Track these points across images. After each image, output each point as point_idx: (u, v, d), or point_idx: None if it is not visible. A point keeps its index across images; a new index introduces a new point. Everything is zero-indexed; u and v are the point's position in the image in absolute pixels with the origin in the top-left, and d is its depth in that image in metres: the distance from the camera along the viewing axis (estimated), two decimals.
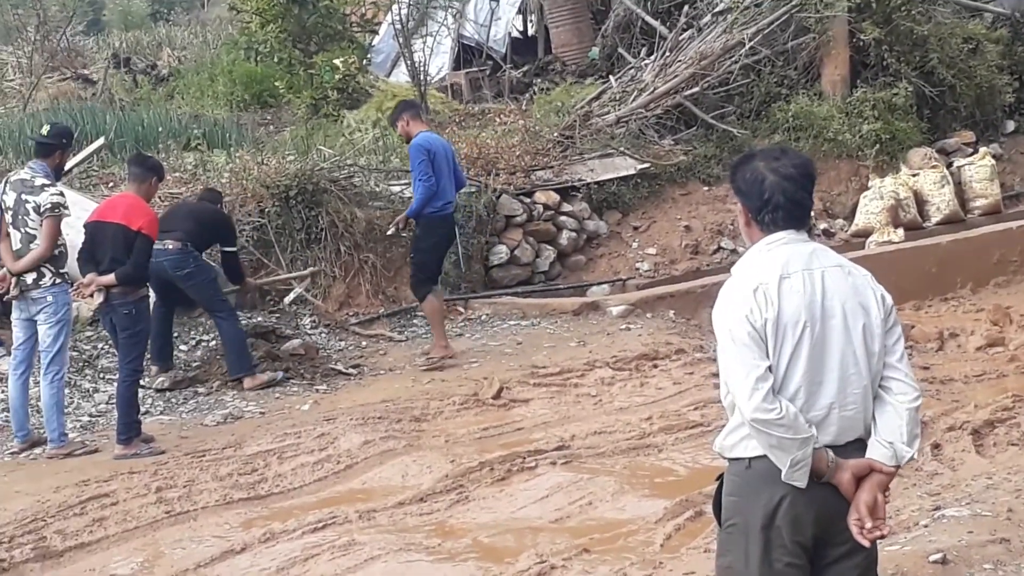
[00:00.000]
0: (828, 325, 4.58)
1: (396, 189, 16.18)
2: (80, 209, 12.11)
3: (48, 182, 10.76)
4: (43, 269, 10.64)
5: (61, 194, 10.81)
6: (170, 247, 12.38)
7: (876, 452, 4.63)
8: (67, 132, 11.61)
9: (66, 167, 15.61)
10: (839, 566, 4.72)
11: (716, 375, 11.99)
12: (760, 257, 4.69)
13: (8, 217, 10.79)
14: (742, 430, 4.64)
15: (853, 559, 4.73)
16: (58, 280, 10.71)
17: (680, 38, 19.72)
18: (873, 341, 4.65)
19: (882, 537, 4.69)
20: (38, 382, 11.14)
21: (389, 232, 14.33)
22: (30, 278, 10.62)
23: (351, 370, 13.33)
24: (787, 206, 4.69)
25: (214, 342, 13.38)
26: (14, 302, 10.88)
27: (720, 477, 4.88)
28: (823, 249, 4.78)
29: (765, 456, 4.57)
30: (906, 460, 4.67)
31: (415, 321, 15.22)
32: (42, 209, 10.55)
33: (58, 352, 10.73)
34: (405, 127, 13.33)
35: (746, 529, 4.65)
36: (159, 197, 13.37)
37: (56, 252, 10.71)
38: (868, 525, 4.57)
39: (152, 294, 11.88)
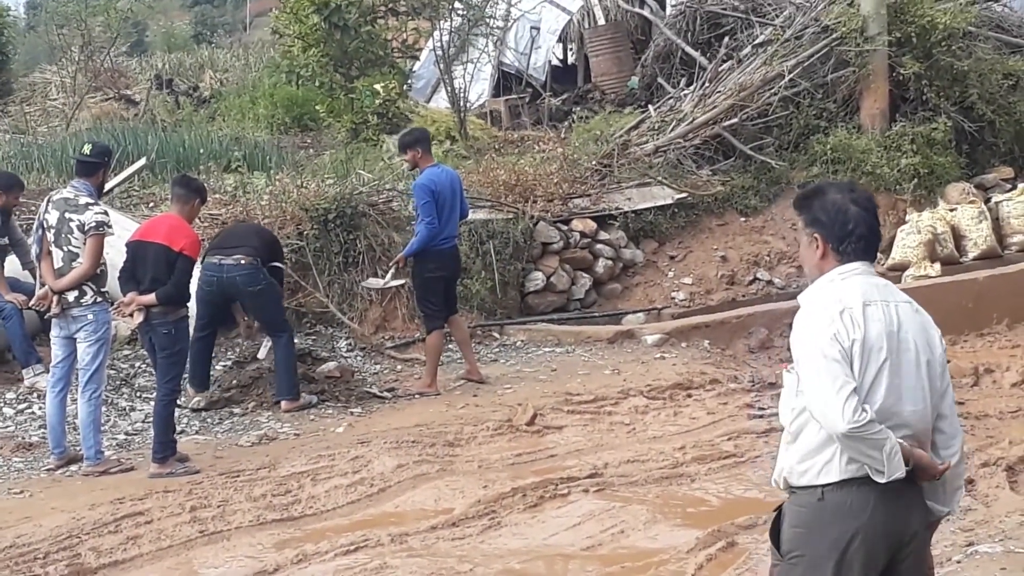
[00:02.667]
0: (904, 357, 4.63)
1: None
2: (121, 228, 12.18)
3: (92, 201, 10.84)
4: (85, 287, 10.69)
5: (105, 213, 10.90)
6: (243, 262, 12.50)
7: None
8: (107, 150, 11.69)
9: (109, 186, 15.77)
10: None
11: (750, 406, 12.06)
12: (836, 286, 4.73)
13: (50, 236, 10.85)
14: (817, 457, 4.62)
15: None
16: (99, 299, 10.77)
17: (720, 69, 19.73)
18: (935, 379, 4.71)
19: None
20: (76, 400, 11.20)
21: (388, 276, 14.21)
22: (71, 296, 10.68)
23: (386, 393, 13.35)
24: (868, 237, 4.80)
25: (253, 364, 13.40)
26: (54, 320, 10.93)
27: (779, 508, 4.85)
28: (891, 283, 4.84)
29: (838, 486, 4.57)
30: (944, 515, 4.77)
31: (450, 347, 15.21)
32: (87, 227, 10.61)
33: (96, 370, 10.78)
34: (416, 157, 13.30)
35: (814, 562, 4.62)
36: (200, 218, 13.43)
37: (98, 271, 10.77)
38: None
39: (194, 316, 11.93)
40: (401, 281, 14.15)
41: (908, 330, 4.67)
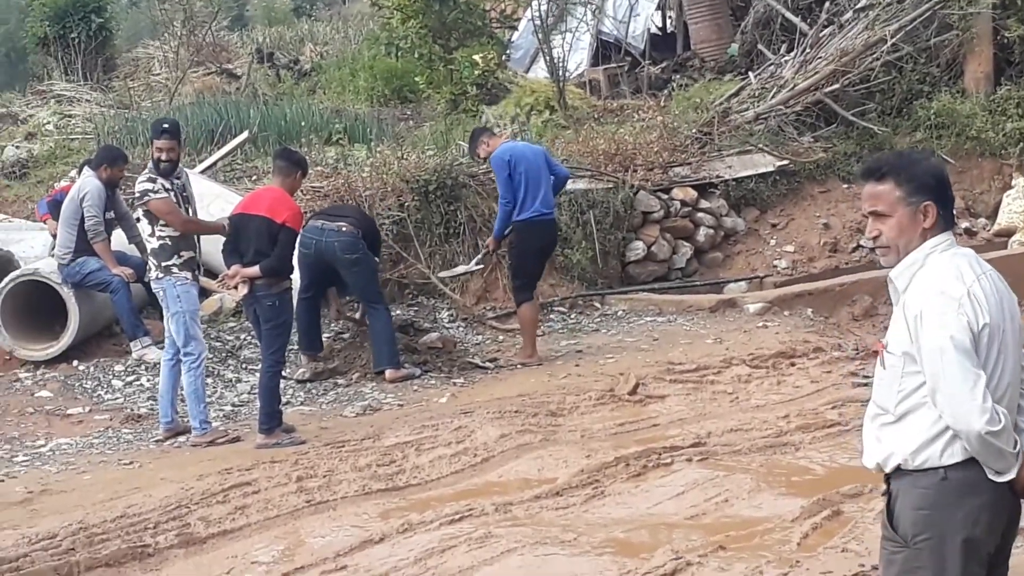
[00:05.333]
0: (1010, 328, 4.53)
1: None
2: (224, 201, 12.31)
3: (145, 172, 10.98)
4: (151, 261, 10.84)
5: (149, 179, 10.89)
6: (344, 229, 12.65)
7: None
8: (175, 125, 11.70)
9: (209, 160, 15.93)
10: (999, 570, 4.70)
11: (854, 374, 11.96)
12: (936, 260, 4.59)
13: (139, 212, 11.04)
14: (938, 440, 4.50)
15: (1007, 564, 4.73)
16: (160, 274, 10.87)
17: (821, 34, 19.50)
18: (1019, 347, 4.60)
19: None
20: None
21: (472, 262, 14.43)
22: (148, 269, 10.86)
23: (488, 364, 13.39)
24: (954, 205, 4.70)
25: (352, 334, 13.48)
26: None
27: (888, 491, 4.73)
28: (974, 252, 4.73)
29: (962, 465, 4.48)
30: None
31: (551, 316, 15.24)
32: (136, 201, 10.76)
33: (188, 341, 10.89)
34: (487, 149, 13.38)
35: (942, 542, 4.51)
36: (301, 191, 13.50)
37: (158, 244, 10.86)
38: None
39: (297, 283, 12.01)
40: (479, 267, 14.25)
41: (1004, 299, 4.57)
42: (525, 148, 13.49)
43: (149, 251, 10.87)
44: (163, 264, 10.87)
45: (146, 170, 11.04)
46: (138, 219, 10.99)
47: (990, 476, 4.45)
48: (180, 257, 10.94)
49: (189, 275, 10.99)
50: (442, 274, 14.58)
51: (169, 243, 10.90)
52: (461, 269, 14.52)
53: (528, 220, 13.09)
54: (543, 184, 13.21)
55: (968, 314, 4.41)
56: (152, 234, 10.83)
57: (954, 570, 4.50)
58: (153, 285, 10.93)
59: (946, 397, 4.42)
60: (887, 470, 4.64)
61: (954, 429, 4.43)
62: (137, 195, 10.79)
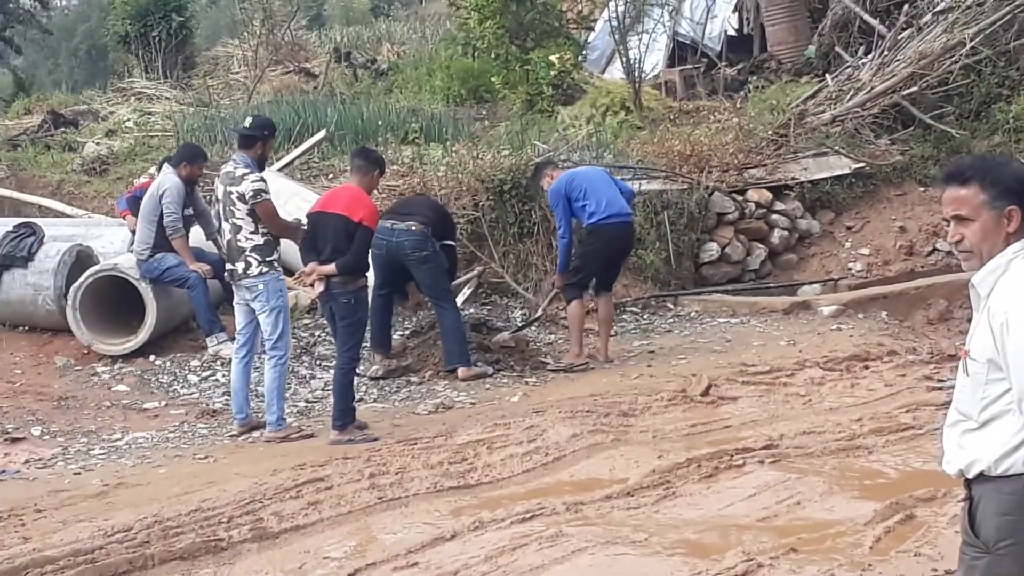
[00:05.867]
0: None
1: None
2: (301, 199, 12.38)
3: (248, 171, 10.97)
4: (249, 258, 10.84)
5: (261, 179, 10.98)
6: (414, 228, 12.71)
7: None
8: (269, 124, 11.72)
9: (287, 159, 16.03)
10: None
11: (929, 378, 11.87)
12: (1020, 264, 4.47)
13: (219, 208, 11.06)
14: (1022, 447, 4.40)
15: None
16: (264, 269, 10.89)
17: (899, 37, 19.40)
18: None
19: None
20: (259, 367, 11.40)
21: (544, 304, 14.59)
22: (240, 267, 10.86)
23: (559, 365, 13.37)
24: None
25: (429, 333, 13.52)
26: (235, 288, 11.16)
27: (969, 496, 4.63)
28: None
29: None
30: None
31: (624, 316, 15.22)
32: (247, 198, 10.78)
33: (280, 337, 10.95)
34: (550, 181, 13.36)
35: None
36: (378, 190, 13.56)
37: (261, 241, 10.91)
38: None
39: (372, 281, 12.06)
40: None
41: None
42: (584, 169, 13.77)
43: (250, 247, 10.83)
44: (267, 259, 10.94)
45: (251, 168, 11.06)
46: (225, 214, 10.97)
47: None
48: (277, 253, 11.06)
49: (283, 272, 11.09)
50: (500, 338, 14.52)
51: (271, 239, 11.00)
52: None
53: (597, 223, 13.06)
54: (608, 191, 13.20)
55: None
56: (255, 231, 10.87)
57: None
58: (249, 281, 10.88)
59: None
60: (969, 476, 4.58)
61: None
62: (251, 193, 10.79)
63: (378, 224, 11.46)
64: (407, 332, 13.80)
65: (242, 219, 10.84)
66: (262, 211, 10.84)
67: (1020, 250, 4.49)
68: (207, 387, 12.69)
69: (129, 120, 23.37)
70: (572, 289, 13.23)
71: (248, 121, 11.52)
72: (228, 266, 11.04)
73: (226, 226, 10.96)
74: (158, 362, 13.23)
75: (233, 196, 10.83)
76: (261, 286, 10.89)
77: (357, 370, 11.59)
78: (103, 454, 10.74)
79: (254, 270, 10.86)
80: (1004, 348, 4.38)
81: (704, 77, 23.17)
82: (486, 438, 10.46)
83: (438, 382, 12.81)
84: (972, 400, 4.51)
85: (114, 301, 13.42)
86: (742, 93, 21.55)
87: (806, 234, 17.54)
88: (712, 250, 16.65)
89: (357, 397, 11.55)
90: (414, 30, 33.31)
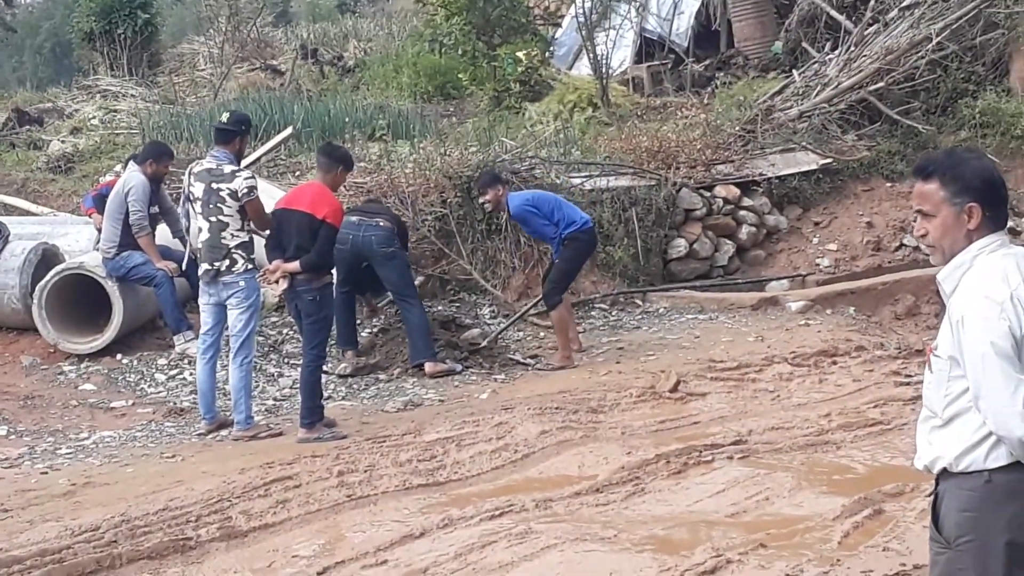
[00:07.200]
0: None
1: (576, 181, 16.21)
2: (267, 197, 12.31)
3: (237, 168, 10.97)
4: (235, 255, 10.83)
5: (252, 176, 11.06)
6: (382, 224, 12.89)
7: None
8: (246, 119, 11.74)
9: (254, 156, 15.98)
10: None
11: (897, 373, 11.91)
12: (984, 261, 4.49)
13: (197, 207, 10.99)
14: (983, 444, 4.43)
15: None
16: (249, 266, 10.90)
17: (865, 33, 19.45)
18: None
19: None
20: (226, 366, 11.38)
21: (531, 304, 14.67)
22: (224, 264, 10.83)
23: (529, 360, 13.41)
24: (1005, 205, 4.60)
25: (398, 330, 13.52)
26: (203, 287, 11.09)
27: (935, 492, 4.67)
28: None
29: (1006, 469, 4.41)
30: None
31: (592, 313, 15.26)
32: (240, 194, 10.75)
33: (247, 336, 10.94)
34: (498, 195, 13.41)
35: (985, 545, 4.44)
36: (345, 187, 13.56)
37: (247, 239, 10.91)
38: None
39: (335, 279, 12.07)
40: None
41: None
42: (539, 192, 14.19)
43: (235, 244, 10.80)
44: (251, 256, 10.96)
45: (239, 166, 11.09)
46: (206, 212, 10.91)
47: None
48: (255, 253, 11.08)
49: None
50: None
51: (254, 239, 11.04)
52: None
53: (579, 230, 13.23)
54: (571, 206, 13.60)
55: (1010, 319, 4.33)
56: (241, 228, 10.85)
57: (997, 571, 4.45)
58: (231, 278, 10.83)
59: (988, 403, 4.37)
60: (934, 472, 4.61)
61: (996, 434, 4.40)
62: (245, 190, 10.74)
63: (344, 220, 11.46)
64: (375, 330, 13.80)
65: (230, 216, 10.82)
66: (252, 208, 10.83)
67: (985, 247, 4.51)
68: (174, 386, 12.66)
69: (94, 118, 23.27)
70: (553, 296, 13.26)
71: (225, 116, 11.51)
72: (205, 265, 10.97)
73: (204, 223, 10.90)
74: (125, 361, 13.19)
75: (223, 193, 10.79)
76: (242, 283, 10.87)
77: (325, 367, 11.60)
78: (70, 453, 10.71)
79: (239, 267, 10.84)
80: (961, 345, 4.42)
81: (671, 73, 23.18)
82: (455, 435, 10.47)
83: (407, 379, 12.82)
84: (937, 397, 4.55)
85: (80, 300, 13.37)
86: (709, 89, 21.60)
87: (774, 230, 17.58)
88: (680, 246, 16.67)
89: (325, 395, 11.53)
90: (381, 27, 33.23)
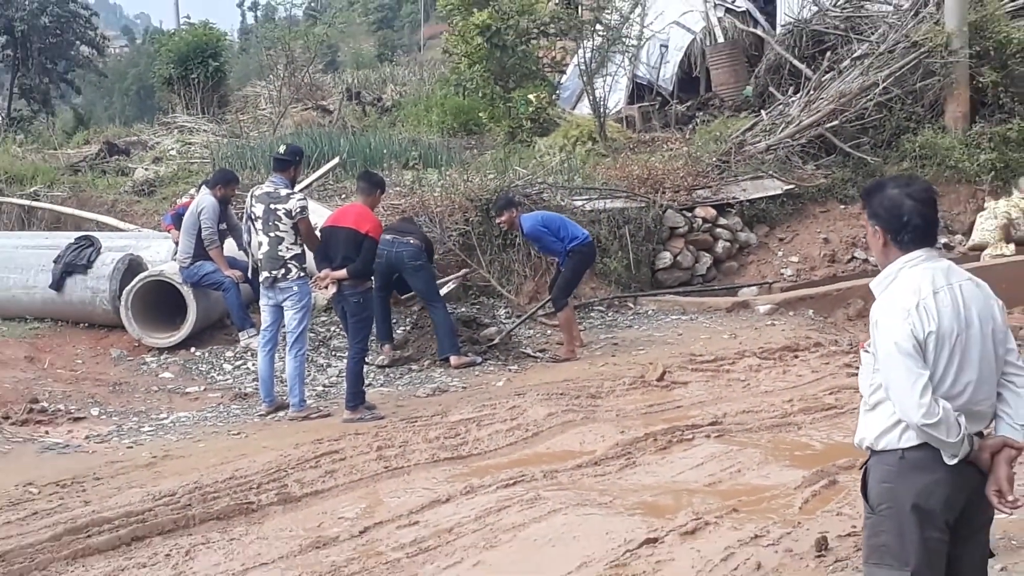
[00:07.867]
0: (970, 333, 4.44)
1: (578, 203, 16.20)
2: (317, 216, 12.34)
3: (291, 191, 11.02)
4: (289, 265, 10.86)
5: (304, 199, 11.10)
6: (412, 242, 12.92)
7: (1009, 432, 4.51)
8: (299, 150, 11.84)
9: (306, 182, 15.98)
10: (974, 539, 4.61)
11: (849, 365, 11.88)
12: (906, 274, 4.52)
13: (258, 225, 11.01)
14: (897, 427, 4.48)
15: (983, 533, 4.67)
16: (301, 274, 10.93)
17: (823, 79, 19.43)
18: (998, 344, 4.53)
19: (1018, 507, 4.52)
20: (283, 358, 11.39)
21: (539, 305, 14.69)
22: (280, 273, 10.86)
23: (538, 354, 13.40)
24: (923, 227, 4.54)
25: (428, 328, 13.51)
26: (263, 291, 11.15)
27: (864, 466, 4.70)
28: (953, 264, 4.64)
29: (917, 447, 4.44)
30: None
31: (592, 314, 15.24)
32: (294, 214, 10.79)
33: (301, 333, 10.97)
34: (511, 217, 13.42)
35: (900, 511, 4.48)
36: (382, 207, 13.60)
37: (299, 251, 10.93)
38: (1010, 497, 4.46)
39: (374, 284, 12.09)
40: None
41: (972, 306, 4.48)
42: (544, 212, 14.21)
43: (290, 256, 10.85)
44: (303, 266, 11.00)
45: (294, 190, 11.18)
46: (266, 228, 10.91)
47: (944, 458, 4.43)
48: (306, 262, 11.12)
49: None
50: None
51: (304, 250, 11.07)
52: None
53: (581, 244, 13.28)
54: (574, 223, 13.67)
55: (914, 323, 4.38)
56: (295, 242, 10.91)
57: (911, 533, 4.47)
58: (287, 284, 10.83)
59: (892, 393, 4.45)
60: (863, 448, 4.65)
61: (902, 419, 4.43)
62: (298, 210, 10.79)
63: (380, 238, 11.50)
64: (408, 328, 13.80)
65: (285, 232, 10.85)
66: (303, 225, 10.87)
67: (908, 261, 4.56)
68: (240, 374, 12.66)
69: (172, 149, 23.28)
70: (560, 300, 13.30)
71: (282, 148, 11.59)
72: (264, 273, 11.00)
73: (264, 239, 10.94)
74: (198, 353, 13.21)
75: (280, 212, 10.83)
76: (296, 288, 10.91)
77: (366, 359, 11.59)
78: (151, 431, 10.72)
79: (293, 275, 10.89)
80: (875, 344, 4.51)
81: (659, 112, 23.16)
82: (476, 416, 10.48)
83: (435, 370, 12.83)
84: (864, 385, 4.60)
85: (160, 302, 13.40)
86: (691, 126, 21.57)
87: (745, 244, 17.55)
88: (666, 258, 16.65)
89: (366, 382, 11.55)
90: (414, 73, 33.20)
